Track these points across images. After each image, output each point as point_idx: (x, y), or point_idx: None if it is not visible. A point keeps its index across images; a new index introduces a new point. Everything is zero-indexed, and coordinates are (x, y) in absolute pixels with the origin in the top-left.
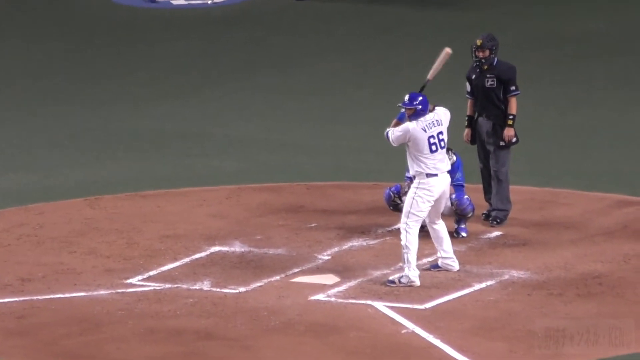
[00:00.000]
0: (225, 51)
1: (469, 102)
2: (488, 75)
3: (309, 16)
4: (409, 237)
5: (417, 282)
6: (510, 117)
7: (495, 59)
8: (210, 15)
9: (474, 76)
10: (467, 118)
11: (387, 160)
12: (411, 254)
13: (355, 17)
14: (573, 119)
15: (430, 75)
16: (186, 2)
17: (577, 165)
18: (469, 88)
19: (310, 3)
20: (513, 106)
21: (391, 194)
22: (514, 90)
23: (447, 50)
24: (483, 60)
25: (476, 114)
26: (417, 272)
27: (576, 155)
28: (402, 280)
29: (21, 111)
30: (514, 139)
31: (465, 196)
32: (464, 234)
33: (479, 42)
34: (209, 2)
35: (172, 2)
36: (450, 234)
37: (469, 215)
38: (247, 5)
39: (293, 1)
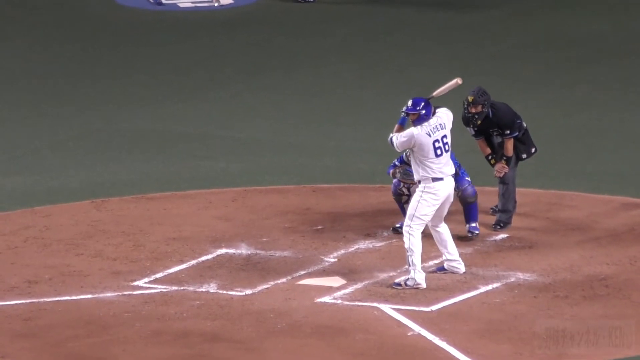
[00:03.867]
0: (231, 53)
1: (479, 142)
2: (491, 130)
3: (313, 18)
4: (413, 240)
5: (423, 285)
6: (505, 158)
7: (490, 112)
8: (216, 18)
9: (472, 125)
10: (490, 157)
11: (391, 162)
12: (415, 257)
13: (358, 18)
14: (579, 121)
15: (435, 94)
16: (192, 5)
17: (583, 167)
18: (472, 132)
19: (314, 5)
20: (509, 148)
21: (398, 190)
22: (508, 134)
23: (458, 80)
24: (476, 116)
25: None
26: (423, 275)
27: (582, 158)
28: (408, 282)
29: (25, 112)
30: (524, 155)
31: (467, 178)
32: (477, 232)
33: (470, 98)
34: (216, 4)
35: (178, 4)
36: (465, 235)
37: (471, 199)
38: (252, 7)
39: (297, 4)
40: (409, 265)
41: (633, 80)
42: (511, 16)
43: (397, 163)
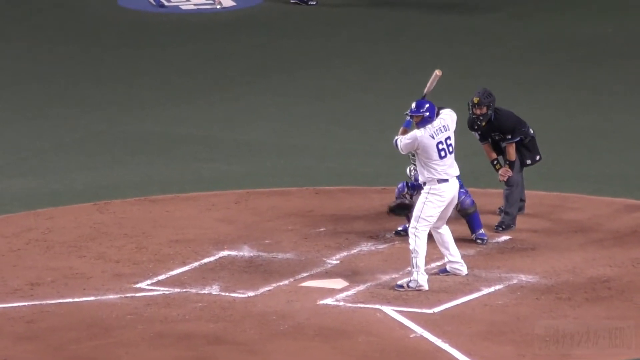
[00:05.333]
0: (234, 55)
1: (485, 146)
2: (493, 134)
3: (316, 20)
4: (418, 242)
5: (426, 287)
6: (508, 162)
7: (492, 115)
8: (218, 20)
9: (476, 128)
10: (495, 162)
11: (395, 165)
12: (420, 258)
13: (362, 20)
14: (582, 123)
15: (426, 92)
16: (195, 7)
17: (586, 169)
18: (478, 136)
19: (317, 7)
20: (511, 153)
21: (401, 195)
22: (510, 139)
23: (437, 72)
24: (481, 117)
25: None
26: (426, 277)
27: (585, 160)
28: (411, 284)
29: (29, 114)
30: (527, 162)
31: (462, 189)
32: (485, 238)
33: (475, 99)
34: (218, 7)
35: (181, 7)
36: (468, 238)
37: (471, 210)
38: (255, 10)
39: (297, 6)
40: (413, 267)
41: (636, 82)
42: (513, 18)
43: (404, 185)
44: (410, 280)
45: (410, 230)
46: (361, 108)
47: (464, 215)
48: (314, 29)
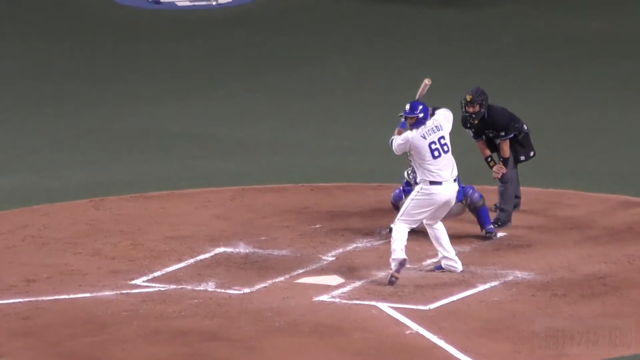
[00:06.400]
0: (229, 52)
1: (479, 144)
2: (487, 131)
3: (312, 17)
4: (397, 230)
5: (403, 256)
6: (502, 159)
7: (485, 112)
8: (214, 17)
9: (469, 126)
10: (489, 159)
11: (390, 162)
12: (396, 243)
13: (358, 17)
14: (578, 120)
15: (417, 98)
16: (190, 4)
17: (581, 166)
18: (471, 133)
19: (313, 3)
20: (505, 149)
21: (402, 195)
22: (503, 136)
23: (426, 81)
24: (474, 115)
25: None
26: (402, 251)
27: (580, 156)
28: (392, 265)
29: (25, 112)
30: (522, 158)
31: (468, 186)
32: (495, 231)
33: (468, 97)
34: (214, 3)
35: (176, 3)
36: (466, 238)
37: (479, 203)
38: (251, 6)
39: (296, 3)
40: (391, 252)
41: (632, 79)
42: (510, 15)
43: (401, 192)
44: (390, 263)
45: (395, 221)
46: (357, 105)
47: (474, 210)
48: (309, 26)
